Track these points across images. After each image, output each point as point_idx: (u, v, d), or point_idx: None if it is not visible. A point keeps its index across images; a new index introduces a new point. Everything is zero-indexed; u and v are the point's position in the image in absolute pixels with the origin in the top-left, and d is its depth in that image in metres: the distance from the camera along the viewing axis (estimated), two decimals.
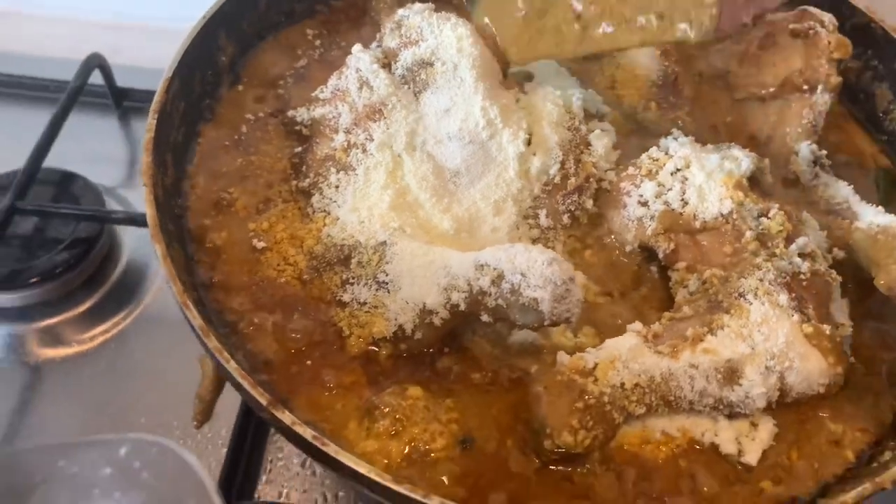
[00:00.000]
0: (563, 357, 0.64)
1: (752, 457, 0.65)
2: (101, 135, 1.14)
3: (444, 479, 0.62)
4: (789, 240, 0.70)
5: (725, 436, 0.65)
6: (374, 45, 0.81)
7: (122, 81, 1.15)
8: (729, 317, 0.65)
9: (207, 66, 0.83)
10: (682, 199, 0.72)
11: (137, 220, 0.96)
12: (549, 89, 0.77)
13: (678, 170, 0.73)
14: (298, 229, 0.73)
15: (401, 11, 0.79)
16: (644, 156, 0.75)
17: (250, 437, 0.87)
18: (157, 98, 0.74)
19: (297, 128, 0.79)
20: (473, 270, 0.64)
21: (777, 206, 0.72)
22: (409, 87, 0.75)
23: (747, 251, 0.70)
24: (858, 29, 0.89)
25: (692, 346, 0.64)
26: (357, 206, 0.71)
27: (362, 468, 0.56)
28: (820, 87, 0.80)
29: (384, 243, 0.68)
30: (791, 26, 0.80)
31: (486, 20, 0.75)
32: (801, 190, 0.78)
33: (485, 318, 0.64)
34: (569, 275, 0.61)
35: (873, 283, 0.68)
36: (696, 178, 0.72)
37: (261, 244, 0.73)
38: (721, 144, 0.77)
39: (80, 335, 0.95)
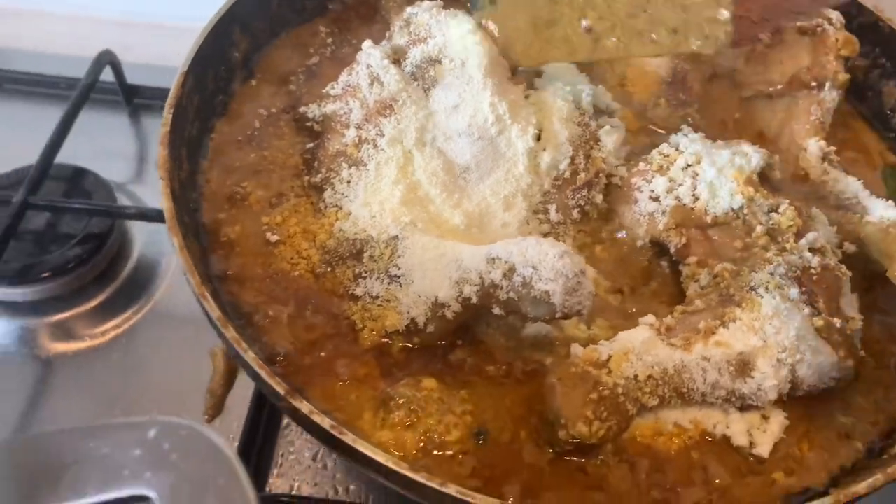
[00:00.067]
0: (577, 349, 0.65)
1: (763, 449, 0.65)
2: (111, 131, 1.15)
3: (459, 469, 0.63)
4: (799, 235, 0.71)
5: (737, 428, 0.66)
6: (384, 42, 0.82)
7: (132, 79, 1.16)
8: (741, 310, 0.66)
9: (221, 62, 0.83)
10: (693, 195, 0.73)
11: (149, 216, 0.96)
12: (559, 85, 0.77)
13: (689, 165, 0.74)
14: (311, 224, 0.74)
15: (409, 9, 0.79)
16: (655, 151, 0.76)
17: (262, 431, 0.87)
18: (172, 92, 0.74)
19: (309, 124, 0.80)
20: (485, 264, 0.64)
21: (787, 201, 0.72)
22: (418, 84, 0.75)
23: (758, 246, 0.70)
24: (866, 27, 0.89)
25: (704, 339, 0.65)
26: (368, 200, 0.72)
27: (380, 457, 0.56)
28: (828, 85, 0.80)
29: (396, 237, 0.68)
30: (798, 24, 0.81)
31: (491, 25, 0.74)
32: (811, 186, 0.79)
33: (496, 311, 0.65)
34: (580, 268, 0.62)
35: (885, 276, 0.68)
36: (706, 174, 0.73)
37: (274, 238, 0.73)
38: (731, 141, 0.78)
39: (92, 330, 0.95)
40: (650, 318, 0.68)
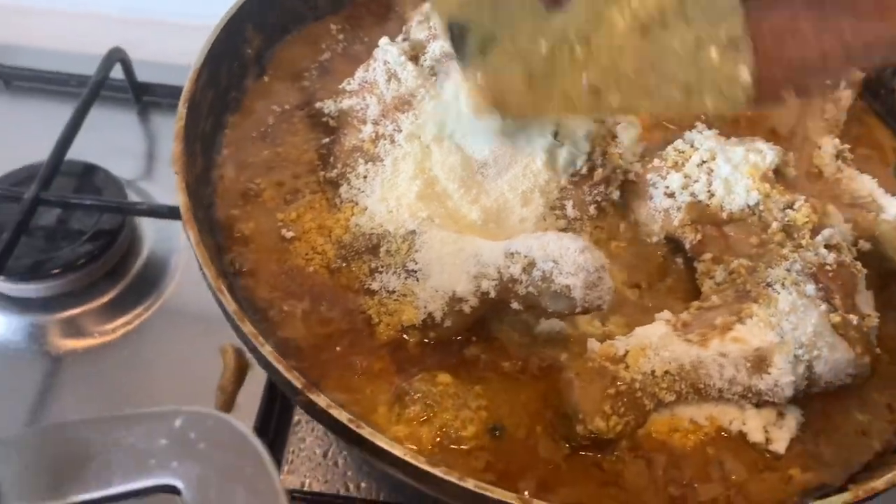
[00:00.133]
0: (593, 344, 0.65)
1: (779, 445, 0.65)
2: (121, 129, 1.15)
3: (475, 464, 0.63)
4: (815, 231, 0.70)
5: (753, 424, 0.65)
6: (399, 38, 0.82)
7: (142, 76, 1.16)
8: (757, 306, 0.66)
9: (234, 59, 0.83)
10: (709, 191, 0.73)
11: (160, 212, 0.96)
12: None
13: (704, 162, 0.74)
14: (326, 219, 0.74)
15: (429, 4, 0.79)
16: (670, 148, 0.76)
17: (272, 428, 0.87)
18: (186, 87, 0.74)
19: (324, 119, 0.80)
20: (504, 258, 0.64)
21: (803, 197, 0.72)
22: (437, 79, 0.75)
23: (774, 242, 0.70)
24: None
25: (721, 335, 0.65)
26: (385, 196, 0.72)
27: (398, 451, 0.56)
28: (842, 83, 0.80)
29: (413, 232, 0.68)
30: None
31: (480, 79, 0.68)
32: (824, 183, 0.79)
33: (515, 305, 0.65)
34: (601, 262, 0.62)
35: None
36: (721, 170, 0.73)
37: (289, 234, 0.73)
38: (744, 138, 0.78)
39: (102, 326, 0.95)
40: (666, 314, 0.68)
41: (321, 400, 0.58)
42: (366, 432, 0.57)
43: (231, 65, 0.83)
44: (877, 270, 0.73)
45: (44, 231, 0.98)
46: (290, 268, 0.72)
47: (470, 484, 0.55)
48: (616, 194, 0.75)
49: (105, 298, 0.97)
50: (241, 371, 0.91)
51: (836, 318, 0.65)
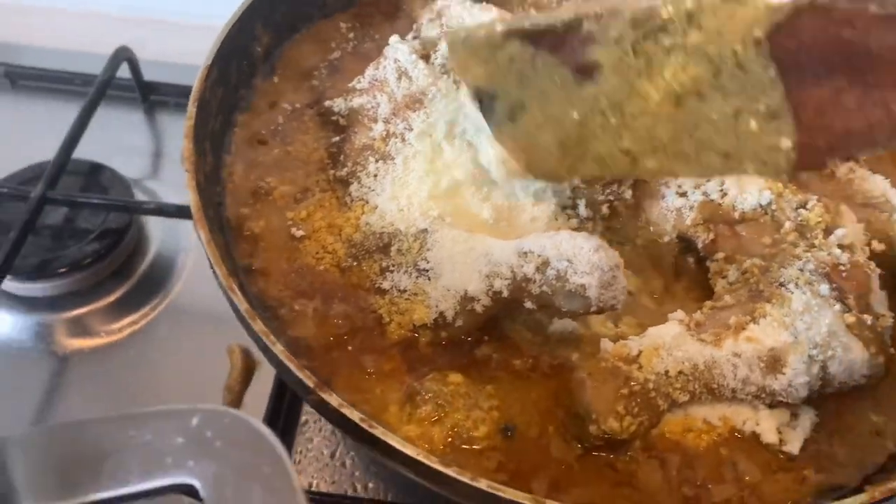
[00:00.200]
0: (606, 344, 0.64)
1: (793, 446, 0.65)
2: (127, 128, 1.15)
3: (486, 464, 0.62)
4: (828, 231, 0.70)
5: (766, 425, 0.65)
6: (409, 36, 0.82)
7: (148, 75, 1.16)
8: (770, 306, 0.65)
9: (244, 57, 0.83)
10: (721, 190, 0.72)
11: (167, 211, 0.96)
12: None
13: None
14: (336, 218, 0.73)
15: (441, 2, 0.79)
16: None
17: (280, 428, 0.87)
18: (196, 85, 0.74)
19: (334, 118, 0.80)
20: (516, 257, 0.64)
21: (815, 197, 0.72)
22: (448, 77, 0.75)
23: (786, 242, 0.70)
24: None
25: (735, 335, 0.64)
26: (396, 194, 0.72)
27: (411, 451, 0.56)
28: None
29: (425, 231, 0.68)
30: None
31: (510, 144, 0.67)
32: (837, 184, 0.78)
33: (528, 305, 0.64)
34: (615, 261, 0.61)
35: None
36: None
37: (299, 233, 0.73)
38: None
39: (109, 326, 0.95)
40: (679, 314, 0.67)
41: (333, 399, 0.57)
42: (378, 432, 0.56)
43: (240, 63, 0.83)
44: (890, 270, 0.72)
45: (50, 230, 0.98)
46: (301, 266, 0.71)
47: (483, 484, 0.55)
48: (628, 193, 0.74)
49: (112, 298, 0.97)
50: (248, 371, 0.91)
51: (850, 319, 0.65)
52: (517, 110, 0.65)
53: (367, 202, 0.73)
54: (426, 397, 0.64)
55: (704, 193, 0.73)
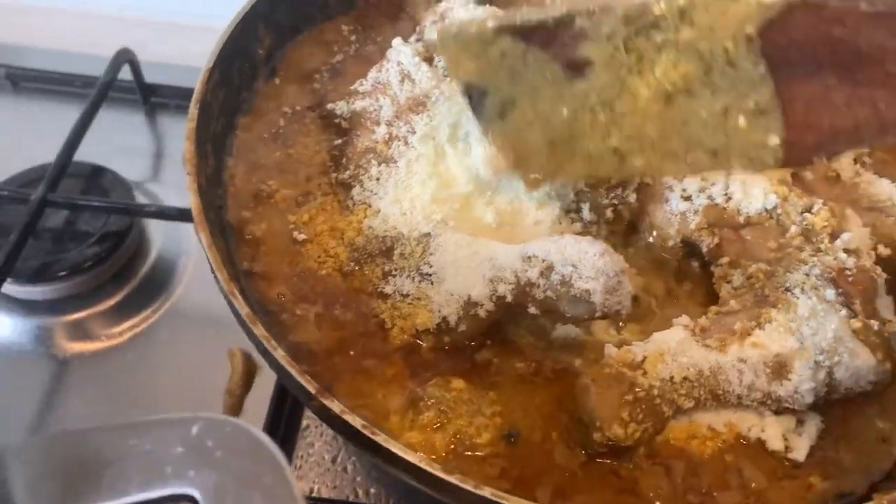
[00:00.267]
0: (610, 349, 0.64)
1: (799, 453, 0.64)
2: (128, 130, 1.15)
3: (489, 471, 0.62)
4: (834, 235, 0.69)
5: (772, 432, 0.64)
6: (412, 38, 0.81)
7: (150, 77, 1.15)
8: (776, 311, 0.65)
9: (245, 59, 0.83)
10: (726, 194, 0.72)
11: (168, 214, 0.96)
12: None
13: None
14: (339, 221, 0.73)
15: (444, 4, 0.79)
16: None
17: (281, 433, 0.87)
18: (198, 87, 0.74)
19: (337, 121, 0.79)
20: (521, 262, 0.63)
21: (821, 201, 0.71)
22: (451, 80, 0.74)
23: (792, 246, 0.69)
24: None
25: (740, 340, 0.64)
26: (399, 197, 0.71)
27: (413, 458, 0.55)
28: None
29: (428, 235, 0.67)
30: None
31: (499, 141, 0.66)
32: (842, 187, 0.78)
33: (532, 310, 0.64)
34: (620, 266, 0.61)
35: None
36: (739, 174, 0.72)
37: (301, 236, 0.72)
38: None
39: (109, 329, 0.95)
40: (684, 319, 0.67)
41: (335, 405, 0.57)
42: (380, 439, 0.56)
43: (242, 65, 0.82)
44: (895, 276, 0.72)
45: (51, 233, 0.98)
46: (303, 271, 0.71)
47: (486, 492, 0.54)
48: (632, 197, 0.74)
49: (112, 301, 0.96)
50: (249, 375, 0.91)
51: (856, 324, 0.64)
52: (507, 107, 0.64)
53: (370, 206, 0.72)
54: (429, 403, 0.63)
55: (709, 197, 0.72)
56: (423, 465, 0.55)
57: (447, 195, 0.70)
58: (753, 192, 0.71)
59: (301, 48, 0.89)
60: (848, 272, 0.67)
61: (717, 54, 0.53)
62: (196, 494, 0.36)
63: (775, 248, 0.70)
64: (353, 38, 0.90)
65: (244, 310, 0.61)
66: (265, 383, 0.89)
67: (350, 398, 0.64)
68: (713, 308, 0.68)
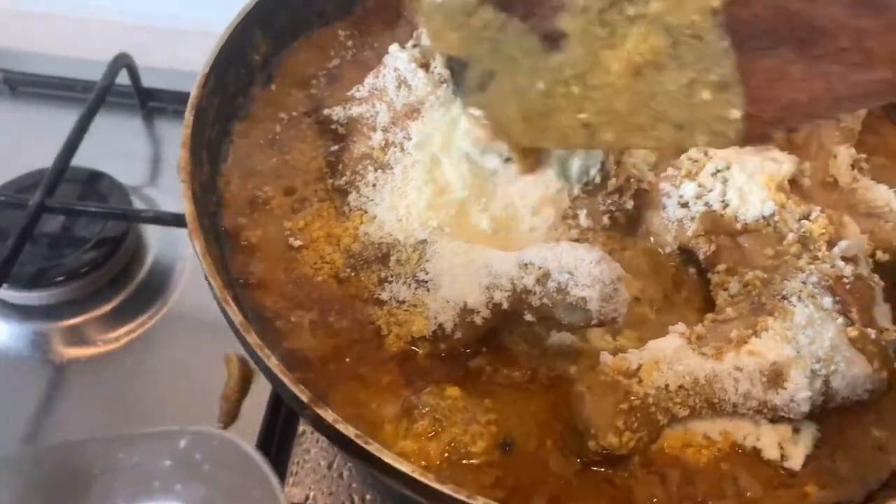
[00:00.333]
0: (606, 357, 0.63)
1: (795, 462, 0.64)
2: (126, 135, 1.14)
3: (484, 479, 0.62)
4: (831, 243, 0.69)
5: (767, 441, 0.64)
6: (409, 44, 0.81)
7: (147, 82, 1.15)
8: (773, 319, 0.65)
9: (242, 65, 0.82)
10: (723, 201, 0.71)
11: (165, 219, 0.96)
12: None
13: (718, 171, 0.72)
14: (335, 228, 0.73)
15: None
16: (684, 157, 0.75)
17: (277, 439, 0.86)
18: (193, 93, 0.73)
19: (333, 126, 0.79)
20: (517, 269, 0.63)
21: (818, 208, 0.71)
22: (447, 86, 0.74)
23: (789, 254, 0.69)
24: None
25: (736, 348, 0.63)
26: (395, 204, 0.71)
27: (406, 467, 0.55)
28: None
29: (424, 241, 0.67)
30: None
31: (478, 112, 0.68)
32: (840, 193, 0.77)
33: (528, 317, 0.63)
34: (617, 274, 0.61)
35: None
36: (736, 180, 0.72)
37: (297, 242, 0.72)
38: (759, 147, 0.77)
39: (106, 335, 0.95)
40: (680, 327, 0.66)
41: (328, 414, 0.57)
42: (373, 448, 0.55)
43: (238, 71, 0.82)
44: (894, 281, 0.71)
45: (48, 238, 0.97)
46: (298, 277, 0.71)
47: (480, 502, 0.54)
48: (629, 204, 0.74)
49: (109, 306, 0.96)
50: (245, 380, 0.90)
51: (853, 332, 0.64)
52: (487, 79, 0.66)
53: (366, 212, 0.72)
54: (423, 411, 0.63)
55: (706, 204, 0.72)
56: (416, 475, 0.55)
57: (443, 201, 0.70)
58: (751, 199, 0.71)
59: (298, 54, 0.88)
60: (845, 280, 0.67)
61: (683, 27, 0.56)
62: None
63: (772, 255, 0.69)
64: (350, 43, 0.90)
65: (238, 318, 0.60)
66: (261, 389, 0.89)
67: (344, 406, 0.64)
68: (709, 315, 0.68)
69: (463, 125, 0.70)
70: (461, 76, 0.67)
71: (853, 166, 0.79)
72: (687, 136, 0.60)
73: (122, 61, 1.11)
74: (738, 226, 0.71)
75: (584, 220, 0.72)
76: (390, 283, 0.67)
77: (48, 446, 0.41)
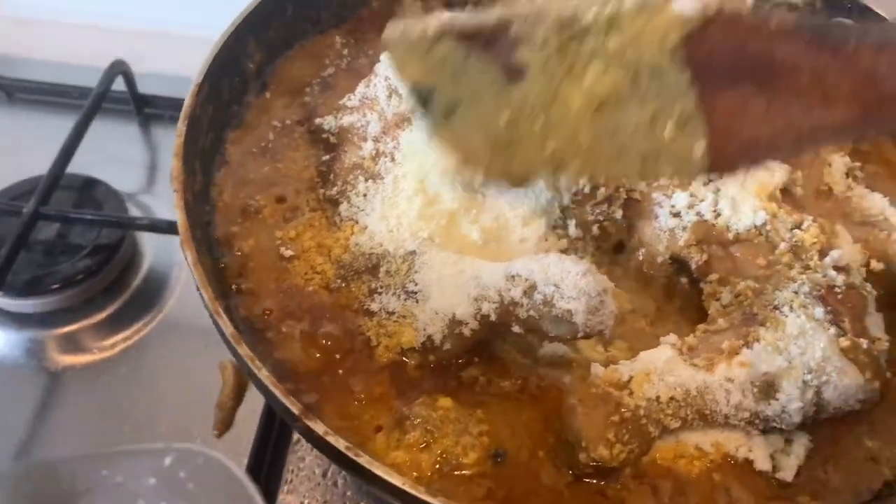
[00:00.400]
0: (597, 369, 0.63)
1: (787, 473, 0.64)
2: (121, 141, 1.14)
3: (476, 491, 0.61)
4: (823, 252, 0.69)
5: (759, 452, 0.64)
6: None
7: (143, 88, 1.15)
8: (764, 329, 0.64)
9: (236, 73, 0.83)
10: (715, 210, 0.71)
11: (160, 227, 0.96)
12: None
13: (710, 180, 0.72)
14: (326, 238, 0.73)
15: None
16: None
17: (271, 446, 0.86)
18: (187, 103, 0.73)
19: (325, 136, 0.79)
20: (504, 281, 0.63)
21: (811, 218, 0.71)
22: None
23: (781, 263, 0.69)
24: None
25: (728, 359, 0.63)
26: (385, 214, 0.71)
27: (396, 479, 0.55)
28: None
29: (413, 252, 0.67)
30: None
31: (443, 141, 0.67)
32: (834, 202, 0.77)
33: (516, 329, 0.63)
34: (603, 286, 0.61)
35: None
36: (728, 189, 0.71)
37: (288, 252, 0.72)
38: None
39: (101, 342, 0.94)
40: (672, 338, 0.66)
41: (319, 426, 0.57)
42: (364, 460, 0.55)
43: (232, 79, 0.82)
44: (889, 290, 0.71)
45: (43, 245, 0.97)
46: (289, 287, 0.71)
47: None
48: (620, 214, 0.73)
49: (104, 314, 0.96)
50: (240, 388, 0.90)
51: (845, 343, 0.64)
52: (452, 107, 0.65)
53: (357, 222, 0.72)
54: (415, 423, 0.63)
55: (698, 214, 0.72)
56: (406, 488, 0.55)
57: (433, 212, 0.70)
58: (743, 209, 0.71)
59: (292, 62, 0.88)
60: (837, 290, 0.67)
61: (642, 63, 0.55)
62: None
63: (764, 265, 0.69)
64: (345, 51, 0.90)
65: (229, 329, 0.61)
66: (256, 396, 0.88)
67: (336, 418, 0.64)
68: (701, 326, 0.68)
69: (431, 157, 0.69)
70: (427, 104, 0.66)
71: (847, 175, 0.79)
72: (652, 168, 0.60)
73: (119, 68, 1.11)
74: (730, 235, 0.70)
75: (573, 230, 0.72)
76: (380, 293, 0.67)
77: (32, 462, 0.41)
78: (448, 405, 0.64)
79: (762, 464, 0.63)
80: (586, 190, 0.72)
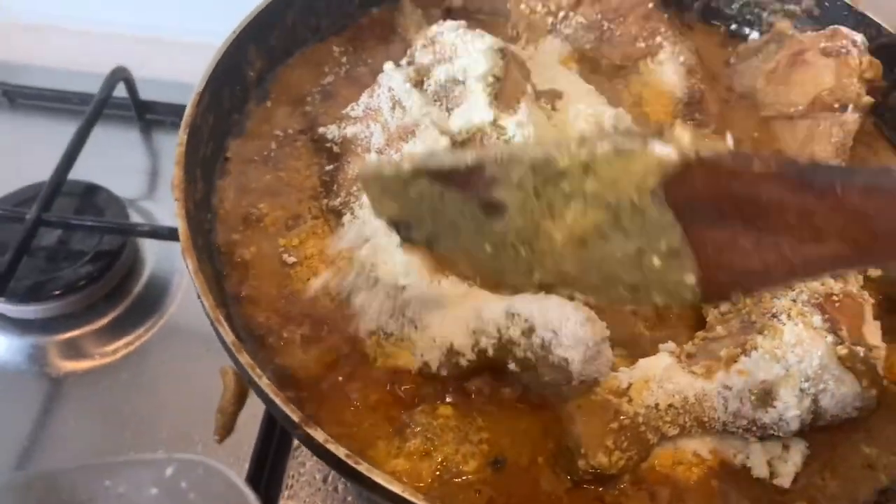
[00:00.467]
0: None
1: (785, 479, 0.64)
2: (123, 147, 1.14)
3: (476, 498, 0.62)
4: None
5: (757, 458, 0.65)
6: (403, 61, 0.81)
7: (145, 94, 1.16)
8: (762, 337, 0.65)
9: (236, 81, 0.83)
10: None
11: (161, 234, 0.96)
12: (581, 107, 0.77)
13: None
14: (329, 247, 0.73)
15: (435, 27, 0.79)
16: None
17: (272, 452, 0.87)
18: (188, 111, 0.74)
19: (328, 145, 0.79)
20: (504, 318, 0.63)
21: None
22: (441, 105, 0.74)
23: None
24: (884, 48, 0.88)
25: (726, 367, 0.64)
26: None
27: (396, 487, 0.55)
28: (850, 107, 0.79)
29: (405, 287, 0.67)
30: (822, 45, 0.80)
31: (430, 256, 0.65)
32: None
33: (512, 366, 0.64)
34: (601, 335, 0.61)
35: None
36: None
37: (291, 259, 0.73)
38: None
39: (103, 348, 0.95)
40: (671, 345, 0.67)
41: (318, 434, 0.57)
42: (363, 468, 0.56)
43: (233, 88, 0.83)
44: (886, 295, 0.72)
45: (45, 252, 0.98)
46: (291, 293, 0.71)
47: None
48: None
49: (106, 320, 0.96)
50: (241, 393, 0.90)
51: (842, 351, 0.64)
52: (433, 239, 0.64)
53: (360, 234, 0.72)
54: (415, 430, 0.63)
55: None
56: (406, 495, 0.55)
57: None
58: None
59: (292, 70, 0.89)
60: (835, 297, 0.67)
61: (623, 204, 0.53)
62: None
63: None
64: (344, 59, 0.90)
65: (230, 337, 0.61)
66: (257, 401, 0.88)
67: (336, 425, 0.64)
68: (700, 333, 0.68)
69: (398, 257, 0.68)
70: (408, 235, 0.65)
71: None
72: (644, 297, 0.58)
73: (120, 74, 1.11)
74: None
75: None
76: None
77: (33, 473, 0.41)
78: (448, 413, 0.65)
79: (760, 470, 0.64)
80: None
